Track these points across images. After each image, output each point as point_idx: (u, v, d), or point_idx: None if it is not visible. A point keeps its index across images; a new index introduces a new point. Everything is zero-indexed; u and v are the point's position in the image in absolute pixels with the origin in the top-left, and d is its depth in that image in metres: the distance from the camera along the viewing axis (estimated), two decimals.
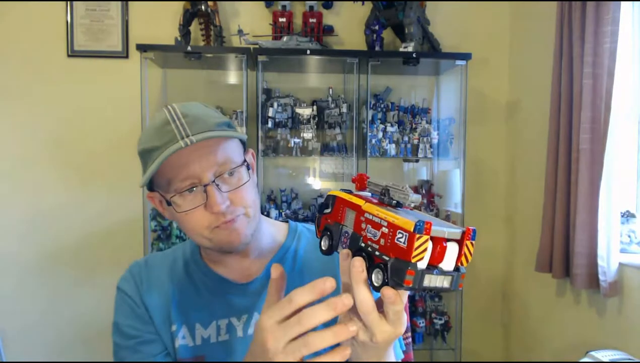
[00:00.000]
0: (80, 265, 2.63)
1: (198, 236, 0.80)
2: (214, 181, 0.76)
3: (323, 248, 0.62)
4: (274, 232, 0.93)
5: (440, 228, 0.50)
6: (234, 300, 0.86)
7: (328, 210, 0.61)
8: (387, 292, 0.51)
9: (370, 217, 0.54)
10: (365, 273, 0.53)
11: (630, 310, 1.88)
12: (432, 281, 0.50)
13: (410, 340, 1.04)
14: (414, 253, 0.48)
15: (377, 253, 0.52)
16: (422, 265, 0.49)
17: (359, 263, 0.53)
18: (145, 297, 0.87)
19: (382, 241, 0.52)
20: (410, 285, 0.48)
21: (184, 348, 0.84)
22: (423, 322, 2.55)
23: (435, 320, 2.56)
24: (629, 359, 1.69)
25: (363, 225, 0.55)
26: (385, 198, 0.56)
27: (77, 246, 2.63)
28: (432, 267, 0.50)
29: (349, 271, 0.54)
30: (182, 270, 0.90)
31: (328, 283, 0.54)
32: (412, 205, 0.53)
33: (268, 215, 2.39)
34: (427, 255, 0.49)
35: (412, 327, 2.51)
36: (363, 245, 0.54)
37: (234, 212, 0.78)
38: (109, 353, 0.89)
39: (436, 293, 2.61)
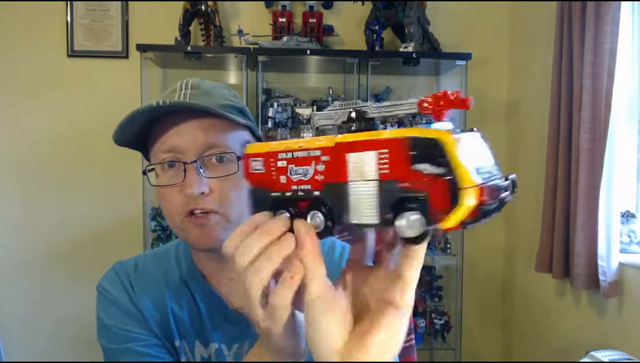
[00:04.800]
0: (80, 265, 2.63)
1: (172, 222, 0.72)
2: (196, 161, 0.69)
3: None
4: None
5: None
6: (230, 328, 0.79)
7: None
8: None
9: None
10: None
11: (630, 310, 1.88)
12: None
13: (413, 342, 1.03)
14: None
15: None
16: None
17: None
18: (138, 303, 0.78)
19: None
20: None
21: None
22: (423, 322, 2.55)
23: (435, 320, 2.56)
24: (629, 359, 1.69)
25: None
26: (360, 124, 0.43)
27: (77, 246, 2.63)
28: None
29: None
30: (178, 279, 0.80)
31: (258, 216, 0.45)
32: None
33: None
34: None
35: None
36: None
37: (208, 204, 0.69)
38: None
39: (436, 292, 2.62)
